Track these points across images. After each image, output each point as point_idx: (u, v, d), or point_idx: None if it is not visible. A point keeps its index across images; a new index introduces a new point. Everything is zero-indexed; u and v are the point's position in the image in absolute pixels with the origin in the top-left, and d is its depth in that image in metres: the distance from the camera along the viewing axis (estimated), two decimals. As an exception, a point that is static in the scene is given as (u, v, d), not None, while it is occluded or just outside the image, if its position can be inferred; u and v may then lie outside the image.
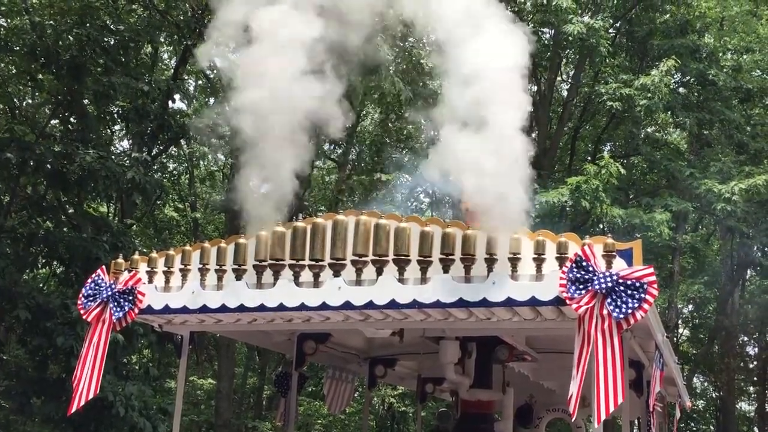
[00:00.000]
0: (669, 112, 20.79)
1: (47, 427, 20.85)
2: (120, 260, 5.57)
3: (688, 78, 23.32)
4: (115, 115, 16.80)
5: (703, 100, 22.60)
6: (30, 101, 18.94)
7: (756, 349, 36.12)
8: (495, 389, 7.42)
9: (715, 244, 34.68)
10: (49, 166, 13.47)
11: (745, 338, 35.99)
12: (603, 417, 4.17)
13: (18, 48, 15.06)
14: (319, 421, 26.93)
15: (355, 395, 22.13)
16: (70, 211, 16.25)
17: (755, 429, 37.68)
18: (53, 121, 17.25)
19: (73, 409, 5.15)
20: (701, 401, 38.01)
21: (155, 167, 17.18)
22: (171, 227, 28.53)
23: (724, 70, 22.36)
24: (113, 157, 16.04)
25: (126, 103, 15.89)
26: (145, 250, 17.65)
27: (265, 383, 29.50)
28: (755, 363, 36.13)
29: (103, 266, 5.60)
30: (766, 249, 27.89)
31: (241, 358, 29.82)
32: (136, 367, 17.68)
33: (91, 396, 5.13)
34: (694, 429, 38.92)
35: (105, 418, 12.55)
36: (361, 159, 29.03)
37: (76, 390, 5.13)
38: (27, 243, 14.47)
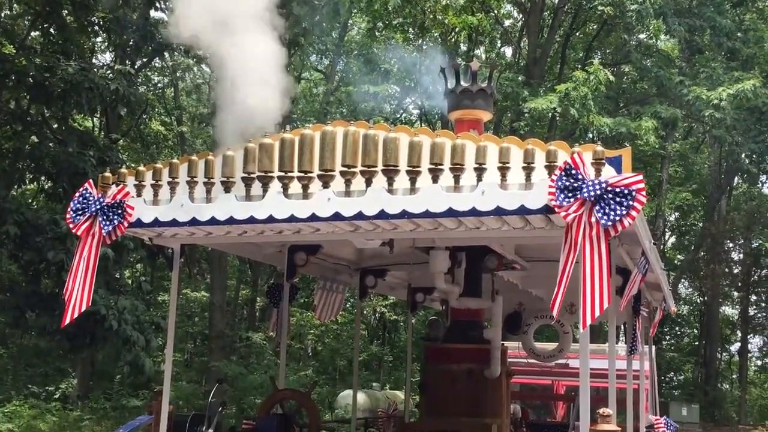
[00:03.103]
0: (661, 18, 20.46)
1: (43, 340, 21.22)
2: (107, 174, 5.52)
3: (681, -18, 22.88)
4: (96, 26, 16.41)
5: (695, 6, 22.25)
6: (8, 12, 18.45)
7: (741, 255, 36.66)
8: (484, 297, 7.52)
9: (704, 152, 34.76)
10: (30, 79, 13.23)
11: (731, 244, 36.47)
12: (589, 322, 4.23)
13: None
14: (312, 332, 27.38)
15: (347, 305, 22.50)
16: (55, 126, 16.07)
17: (738, 332, 38.65)
18: (33, 33, 16.85)
19: (66, 322, 5.18)
20: (686, 307, 38.83)
21: (139, 80, 16.88)
22: (158, 142, 28.31)
23: (718, -28, 21.94)
24: (96, 69, 15.74)
25: (106, 14, 15.50)
26: (132, 164, 17.55)
27: (257, 295, 29.89)
28: (740, 268, 36.73)
29: (91, 180, 5.56)
30: (753, 156, 27.95)
31: (233, 270, 30.11)
32: (129, 282, 17.84)
33: (83, 308, 5.16)
34: (679, 333, 39.88)
35: (98, 331, 12.72)
36: (348, 70, 28.65)
37: (68, 303, 5.16)
38: (13, 158, 14.35)
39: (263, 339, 24.27)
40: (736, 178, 34.31)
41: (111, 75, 14.46)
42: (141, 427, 5.28)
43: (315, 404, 6.64)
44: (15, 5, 17.51)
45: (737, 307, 38.45)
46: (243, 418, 8.78)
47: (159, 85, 28.11)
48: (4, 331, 23.30)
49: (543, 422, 11.60)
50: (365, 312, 28.77)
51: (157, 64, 25.97)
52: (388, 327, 31.69)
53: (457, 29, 21.10)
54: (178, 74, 25.03)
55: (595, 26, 25.36)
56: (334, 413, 21.61)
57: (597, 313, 4.18)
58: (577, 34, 26.63)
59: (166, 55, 21.27)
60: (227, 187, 5.18)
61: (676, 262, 36.49)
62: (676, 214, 36.51)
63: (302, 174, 5.02)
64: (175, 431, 5.84)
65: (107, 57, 23.00)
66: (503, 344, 7.84)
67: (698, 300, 38.92)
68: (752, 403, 36.98)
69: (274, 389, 6.81)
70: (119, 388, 23.04)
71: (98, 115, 22.31)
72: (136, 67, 17.92)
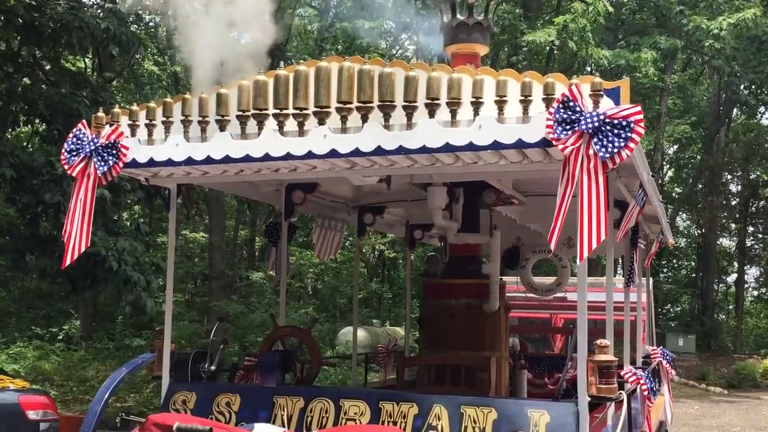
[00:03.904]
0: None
1: (45, 282, 21.37)
2: (101, 114, 5.46)
3: None
4: (84, -37, 16.08)
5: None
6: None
7: (739, 187, 36.73)
8: (482, 233, 7.53)
9: (703, 84, 34.48)
10: (20, 19, 13.02)
11: (729, 176, 36.49)
12: (586, 254, 4.22)
13: None
14: (312, 270, 27.59)
15: (346, 244, 22.61)
16: (48, 67, 15.89)
17: (735, 263, 38.96)
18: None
19: (67, 263, 5.18)
20: (684, 239, 39.06)
21: (130, 19, 16.60)
22: (152, 82, 28.06)
23: None
24: (85, 8, 15.46)
25: (94, -50, 15.19)
26: (126, 105, 17.40)
27: (256, 235, 30.03)
28: (738, 200, 36.84)
29: (84, 121, 5.49)
30: (752, 87, 27.74)
31: (231, 211, 30.18)
32: (127, 224, 17.88)
33: (82, 249, 5.14)
34: (676, 265, 40.23)
35: (99, 272, 12.79)
36: (342, 4, 28.20)
37: (67, 244, 5.15)
38: (6, 101, 14.23)
39: (263, 278, 24.46)
40: (734, 110, 34.15)
41: (101, 14, 14.23)
42: (143, 364, 5.33)
43: (316, 340, 6.70)
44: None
45: (734, 238, 38.71)
46: (245, 355, 8.87)
47: (151, 24, 27.71)
48: (5, 274, 23.45)
49: (541, 355, 11.76)
50: (364, 250, 28.96)
51: (148, 2, 25.52)
52: (387, 264, 31.94)
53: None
54: (170, 12, 24.60)
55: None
56: (335, 349, 21.93)
57: (594, 246, 4.18)
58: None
59: (157, -8, 20.88)
60: (222, 125, 5.12)
61: (674, 195, 36.60)
62: (675, 147, 36.45)
63: (297, 111, 4.96)
64: (177, 368, 5.90)
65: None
66: (502, 279, 7.89)
67: (696, 232, 39.16)
68: (748, 332, 37.59)
69: (275, 326, 6.87)
70: (122, 329, 23.34)
71: (90, 56, 22.06)
72: (126, 5, 17.59)
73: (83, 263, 12.31)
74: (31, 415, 8.86)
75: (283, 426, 5.26)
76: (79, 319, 24.05)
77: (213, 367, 6.06)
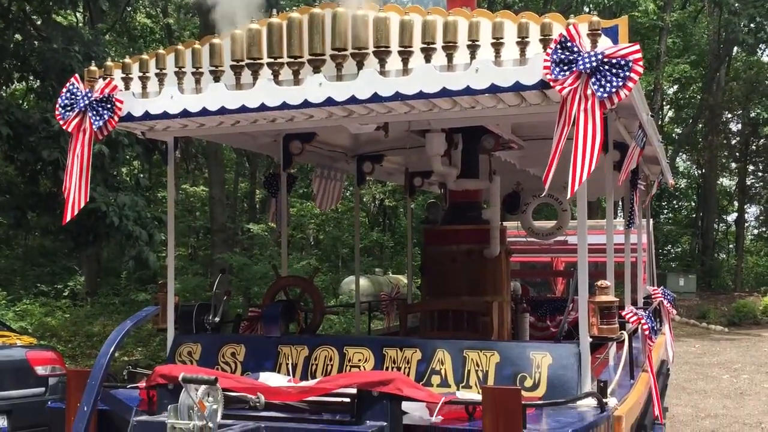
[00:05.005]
0: None
1: (47, 240, 21.42)
2: (93, 68, 5.39)
3: None
4: None
5: None
6: None
7: (739, 125, 36.58)
8: (482, 178, 7.51)
9: (702, 22, 34.06)
10: (7, -26, 12.82)
11: (729, 115, 36.31)
12: (577, 185, 4.14)
13: None
14: (313, 221, 27.63)
15: (346, 194, 22.61)
16: (39, 23, 15.69)
17: (735, 203, 39.00)
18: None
19: (67, 219, 5.17)
20: (684, 180, 39.03)
21: (121, -29, 16.33)
22: (145, 35, 27.74)
23: None
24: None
25: None
26: (118, 59, 17.19)
27: (256, 187, 30.02)
28: (738, 139, 36.72)
29: (77, 75, 5.43)
30: (752, 25, 27.39)
31: (230, 164, 30.12)
32: (127, 179, 17.86)
33: (81, 205, 5.13)
34: (677, 206, 40.27)
35: (101, 228, 12.81)
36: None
37: (66, 200, 5.14)
38: (-2, 58, 14.10)
39: (265, 230, 24.52)
40: (735, 48, 33.80)
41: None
42: (148, 317, 5.36)
43: (318, 289, 6.74)
44: None
45: (735, 177, 38.70)
46: (249, 306, 8.95)
47: (141, -25, 27.30)
48: (8, 232, 23.52)
49: (543, 298, 11.85)
50: (365, 200, 28.96)
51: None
52: (387, 213, 31.99)
53: None
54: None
55: None
56: (338, 299, 22.09)
57: (585, 176, 4.13)
58: None
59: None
60: (216, 76, 5.07)
61: (674, 135, 36.44)
62: (675, 87, 36.17)
63: (292, 60, 4.90)
64: (181, 320, 5.95)
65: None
66: (502, 224, 7.89)
67: (696, 172, 39.13)
68: (748, 271, 37.82)
69: (277, 277, 6.90)
70: (126, 284, 23.49)
71: (81, 10, 21.78)
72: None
73: (84, 219, 12.33)
74: (40, 370, 8.95)
75: (288, 374, 5.31)
76: (83, 275, 24.19)
77: (217, 319, 6.10)
